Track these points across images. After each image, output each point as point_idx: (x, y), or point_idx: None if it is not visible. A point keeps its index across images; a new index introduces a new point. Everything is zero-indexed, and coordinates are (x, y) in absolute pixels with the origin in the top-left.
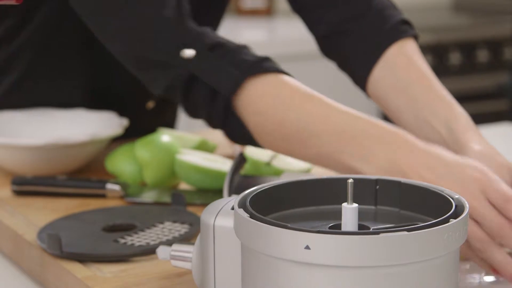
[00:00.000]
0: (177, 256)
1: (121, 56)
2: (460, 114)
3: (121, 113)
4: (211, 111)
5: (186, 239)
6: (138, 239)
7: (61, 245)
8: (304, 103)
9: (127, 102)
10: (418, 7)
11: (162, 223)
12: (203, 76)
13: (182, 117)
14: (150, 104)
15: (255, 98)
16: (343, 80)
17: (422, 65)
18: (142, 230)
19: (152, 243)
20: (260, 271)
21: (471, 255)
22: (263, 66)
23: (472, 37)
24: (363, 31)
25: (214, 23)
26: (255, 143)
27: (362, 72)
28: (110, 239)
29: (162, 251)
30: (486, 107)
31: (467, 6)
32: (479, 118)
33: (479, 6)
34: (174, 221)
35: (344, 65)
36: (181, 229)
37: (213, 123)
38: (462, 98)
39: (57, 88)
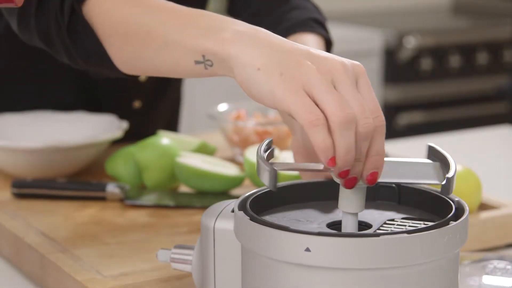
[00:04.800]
0: (177, 259)
1: None
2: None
3: (107, 113)
4: (59, 23)
5: None
6: None
7: None
8: (148, 0)
9: (113, 102)
10: (418, 10)
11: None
12: None
13: (183, 119)
14: (137, 104)
15: None
16: None
17: None
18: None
19: None
20: (261, 273)
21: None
22: None
23: (471, 39)
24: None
25: None
26: (104, 59)
27: None
28: None
29: (162, 254)
30: (485, 110)
31: (467, 8)
32: (479, 121)
33: (478, 8)
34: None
35: None
36: None
37: (62, 40)
38: (462, 101)
39: (47, 89)
